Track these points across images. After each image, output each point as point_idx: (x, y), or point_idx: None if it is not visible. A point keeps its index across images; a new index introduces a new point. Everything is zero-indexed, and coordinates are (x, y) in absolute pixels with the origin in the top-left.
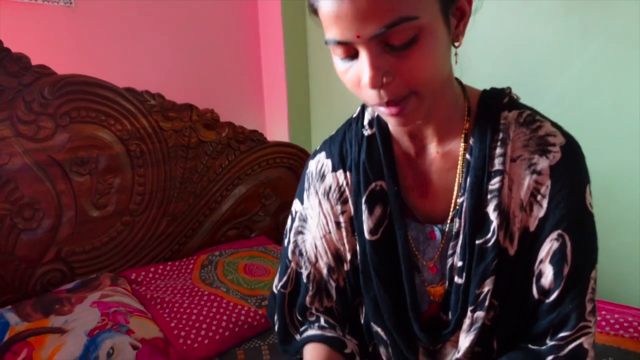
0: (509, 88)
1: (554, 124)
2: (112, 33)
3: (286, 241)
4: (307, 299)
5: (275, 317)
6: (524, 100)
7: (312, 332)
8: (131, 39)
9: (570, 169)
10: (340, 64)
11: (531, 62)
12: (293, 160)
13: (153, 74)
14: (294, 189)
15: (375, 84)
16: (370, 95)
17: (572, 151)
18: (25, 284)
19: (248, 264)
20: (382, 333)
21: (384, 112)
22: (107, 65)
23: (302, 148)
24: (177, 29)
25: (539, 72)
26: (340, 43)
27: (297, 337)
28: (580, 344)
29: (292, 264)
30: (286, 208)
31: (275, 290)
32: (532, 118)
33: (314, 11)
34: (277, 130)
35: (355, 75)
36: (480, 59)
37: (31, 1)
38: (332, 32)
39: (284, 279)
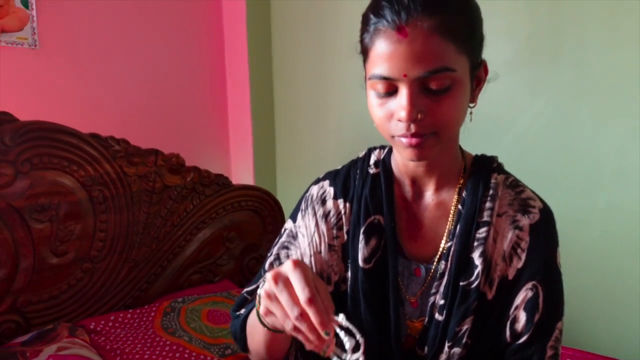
0: (496, 156)
1: (533, 191)
2: (77, 75)
3: (269, 254)
4: None
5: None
6: (479, 148)
7: None
8: (96, 82)
9: (546, 230)
10: (375, 99)
11: (484, 114)
12: (258, 203)
13: (118, 117)
14: (259, 232)
15: (411, 117)
16: (400, 127)
17: (547, 215)
18: None
19: (212, 310)
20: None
21: (404, 143)
22: (72, 108)
23: (267, 191)
24: (143, 72)
25: (490, 124)
26: (385, 79)
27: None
28: None
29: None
30: (251, 251)
31: (243, 293)
32: (516, 183)
33: (365, 50)
34: (242, 174)
35: (388, 110)
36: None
37: None
38: (381, 69)
39: (253, 286)
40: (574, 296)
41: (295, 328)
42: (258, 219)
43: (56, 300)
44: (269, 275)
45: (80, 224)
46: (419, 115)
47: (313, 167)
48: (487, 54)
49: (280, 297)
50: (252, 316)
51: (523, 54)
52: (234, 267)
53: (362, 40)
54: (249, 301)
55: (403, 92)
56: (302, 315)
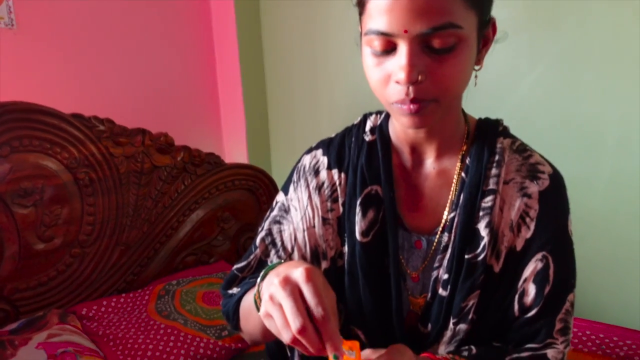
0: (501, 119)
1: (541, 156)
2: (57, 55)
3: (260, 229)
4: None
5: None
6: (477, 116)
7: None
8: (77, 61)
9: (557, 197)
10: (371, 57)
11: (483, 82)
12: (252, 181)
13: (102, 98)
14: (254, 211)
15: (411, 79)
16: (397, 91)
17: (558, 181)
18: None
19: (207, 292)
20: (362, 335)
21: (402, 110)
22: (52, 89)
23: (261, 169)
24: (127, 49)
25: (491, 91)
26: (383, 34)
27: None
28: (544, 354)
29: (258, 251)
30: (247, 230)
31: (233, 270)
32: (523, 147)
33: (361, 1)
34: (235, 152)
35: (386, 71)
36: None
37: None
38: (378, 23)
39: (244, 262)
40: (578, 264)
41: (294, 340)
42: (253, 198)
43: (45, 287)
44: (276, 280)
45: (66, 207)
46: (419, 77)
47: (308, 144)
48: None
49: (284, 305)
50: (248, 299)
51: (523, 17)
52: (229, 248)
53: None
54: (239, 279)
55: (402, 51)
56: (305, 329)
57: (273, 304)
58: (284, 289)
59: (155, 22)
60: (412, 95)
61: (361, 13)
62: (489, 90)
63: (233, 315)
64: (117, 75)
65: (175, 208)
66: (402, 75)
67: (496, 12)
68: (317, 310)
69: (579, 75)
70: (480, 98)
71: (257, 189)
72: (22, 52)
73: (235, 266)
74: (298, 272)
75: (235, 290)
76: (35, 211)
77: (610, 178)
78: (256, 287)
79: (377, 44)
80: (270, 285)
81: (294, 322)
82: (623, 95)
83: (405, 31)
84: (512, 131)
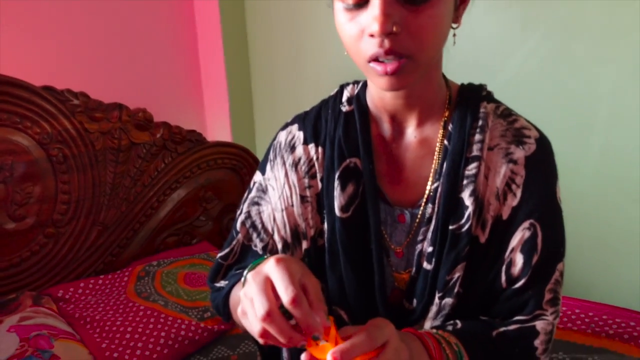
0: (485, 84)
1: (527, 120)
2: (29, 25)
3: (238, 212)
4: None
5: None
6: None
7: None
8: (50, 31)
9: (544, 162)
10: (343, 14)
11: (473, 54)
12: (236, 160)
13: (76, 70)
14: (238, 191)
15: (385, 29)
16: (372, 44)
17: (545, 145)
18: None
19: (189, 273)
20: (344, 316)
21: (378, 71)
22: (22, 61)
23: (245, 148)
24: (103, 19)
25: (481, 64)
26: None
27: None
28: (533, 326)
29: (239, 236)
30: (230, 211)
31: (217, 259)
32: (508, 112)
33: None
34: (218, 130)
35: (359, 25)
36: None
37: None
38: None
39: (227, 250)
40: (567, 242)
41: (263, 332)
42: (236, 177)
43: (17, 268)
44: (249, 276)
45: (38, 185)
46: (394, 28)
47: None
48: None
49: (254, 298)
50: (236, 294)
51: None
52: (212, 229)
53: None
54: (225, 267)
55: (375, 2)
56: (270, 314)
57: (246, 299)
58: (254, 283)
59: None
60: (387, 46)
61: None
62: (481, 63)
63: (224, 309)
64: (93, 46)
65: (155, 187)
66: (375, 26)
67: None
68: (286, 294)
69: (571, 49)
70: (472, 70)
71: (240, 168)
72: None
73: (219, 254)
74: (268, 263)
75: (222, 283)
76: (5, 188)
77: (600, 155)
78: (242, 285)
79: None
80: (246, 283)
81: (259, 310)
82: (616, 69)
83: None
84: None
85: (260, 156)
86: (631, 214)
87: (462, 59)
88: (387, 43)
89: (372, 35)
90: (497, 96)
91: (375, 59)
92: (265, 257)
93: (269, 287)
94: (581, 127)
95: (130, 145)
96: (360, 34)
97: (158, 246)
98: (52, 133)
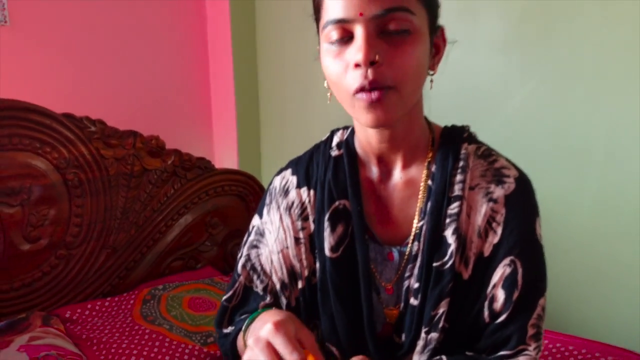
0: (468, 126)
1: (508, 160)
2: (50, 53)
3: (239, 255)
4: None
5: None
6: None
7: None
8: (70, 60)
9: (523, 200)
10: (329, 54)
11: (474, 95)
12: (242, 187)
13: (94, 98)
14: (243, 217)
15: (368, 58)
16: (356, 76)
17: (524, 184)
18: None
19: (193, 297)
20: (336, 353)
21: (363, 101)
22: (44, 88)
23: (251, 175)
24: (121, 51)
25: (481, 104)
26: (340, 21)
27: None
28: None
29: (241, 278)
30: (235, 237)
31: (222, 301)
32: (488, 152)
33: (318, 4)
34: (225, 158)
35: (344, 61)
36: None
37: None
38: (335, 12)
39: (230, 292)
40: (563, 279)
41: None
42: (242, 204)
43: (29, 288)
44: (250, 341)
45: (54, 208)
46: (377, 57)
47: (300, 151)
48: (478, 32)
49: None
50: (241, 340)
51: (514, 33)
52: (217, 254)
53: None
54: (230, 310)
55: (359, 34)
56: None
57: None
58: (257, 348)
59: (150, 24)
60: (370, 77)
61: (318, 19)
62: (481, 104)
63: (232, 355)
64: (110, 76)
65: (164, 212)
66: (359, 55)
67: (489, 26)
68: (290, 358)
69: (569, 90)
70: (472, 111)
71: (247, 195)
72: (15, 49)
73: (224, 297)
74: (266, 329)
75: (229, 329)
76: (22, 211)
77: (596, 193)
78: (242, 336)
79: (335, 33)
80: (248, 349)
81: None
82: (613, 109)
83: (361, 14)
84: (502, 144)
85: (265, 184)
86: (627, 251)
87: (464, 99)
88: (370, 74)
89: (357, 66)
90: (496, 135)
91: (361, 90)
92: (260, 310)
93: (272, 352)
94: (578, 167)
95: (143, 171)
96: (345, 68)
97: (164, 270)
98: (70, 158)
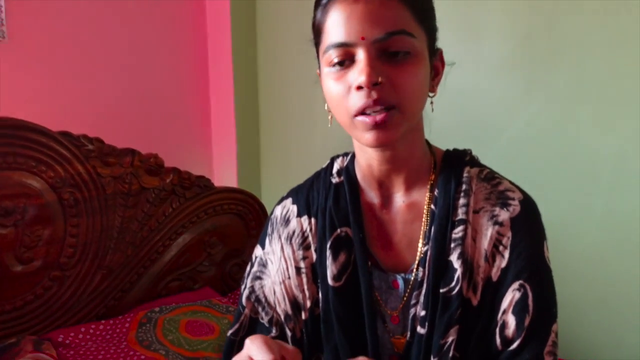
0: (469, 149)
1: (511, 182)
2: (47, 69)
3: (243, 287)
4: None
5: None
6: (473, 151)
7: None
8: (68, 77)
9: (529, 222)
10: (330, 77)
11: (478, 115)
12: (241, 206)
13: (91, 116)
14: (242, 237)
15: (371, 79)
16: (359, 97)
17: (529, 206)
18: None
19: (191, 320)
20: None
21: (366, 123)
22: (41, 105)
23: (251, 193)
24: (119, 67)
25: (485, 125)
26: (342, 45)
27: None
28: None
29: (246, 310)
30: (233, 256)
31: (229, 335)
32: (491, 175)
33: (319, 29)
34: (225, 176)
35: (346, 84)
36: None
37: None
38: (337, 35)
39: (236, 326)
40: (569, 304)
41: None
42: (241, 223)
43: (20, 311)
44: None
45: (48, 228)
46: (379, 79)
47: (300, 170)
48: (483, 52)
49: None
50: None
51: (519, 54)
52: (215, 274)
53: (314, 24)
54: (237, 344)
55: (361, 57)
56: None
57: None
58: None
59: (148, 41)
60: (374, 97)
61: (318, 44)
62: (485, 125)
63: None
64: (108, 93)
65: (162, 231)
66: (362, 78)
67: (494, 47)
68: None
69: (574, 112)
70: (476, 132)
71: (246, 214)
72: (13, 65)
73: (229, 331)
74: (245, 345)
75: None
76: (15, 231)
77: (602, 216)
78: None
79: (337, 56)
80: None
81: None
82: (619, 132)
83: (363, 38)
84: (507, 166)
85: (265, 202)
86: (635, 275)
87: (468, 120)
88: (374, 94)
89: (359, 88)
90: (500, 156)
91: (363, 112)
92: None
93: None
94: (584, 189)
95: (140, 189)
96: (347, 90)
97: (160, 291)
98: (66, 177)
